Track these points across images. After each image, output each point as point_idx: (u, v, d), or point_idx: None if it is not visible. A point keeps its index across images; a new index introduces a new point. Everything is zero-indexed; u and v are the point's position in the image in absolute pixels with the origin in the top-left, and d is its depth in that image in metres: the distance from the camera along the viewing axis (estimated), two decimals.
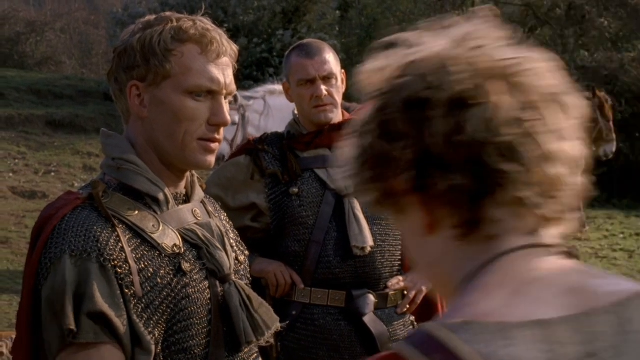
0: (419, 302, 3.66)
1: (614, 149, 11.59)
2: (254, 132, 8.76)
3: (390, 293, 3.59)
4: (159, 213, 2.01)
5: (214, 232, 2.11)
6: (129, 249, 1.91)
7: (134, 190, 2.01)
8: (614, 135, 11.66)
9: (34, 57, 25.15)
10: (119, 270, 1.88)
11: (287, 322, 3.39)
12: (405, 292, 3.63)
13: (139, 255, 1.93)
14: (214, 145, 2.04)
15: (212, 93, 2.02)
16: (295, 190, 3.54)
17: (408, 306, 3.64)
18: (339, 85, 3.60)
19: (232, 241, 2.24)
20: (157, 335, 1.92)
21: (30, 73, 20.51)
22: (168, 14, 2.08)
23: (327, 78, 3.55)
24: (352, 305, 3.51)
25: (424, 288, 3.63)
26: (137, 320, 1.88)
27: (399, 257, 3.66)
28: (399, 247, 3.63)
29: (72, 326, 1.81)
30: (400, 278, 3.63)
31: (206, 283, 2.03)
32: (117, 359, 1.86)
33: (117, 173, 2.02)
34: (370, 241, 3.49)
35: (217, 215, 2.26)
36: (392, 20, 17.40)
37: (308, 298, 3.54)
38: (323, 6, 18.39)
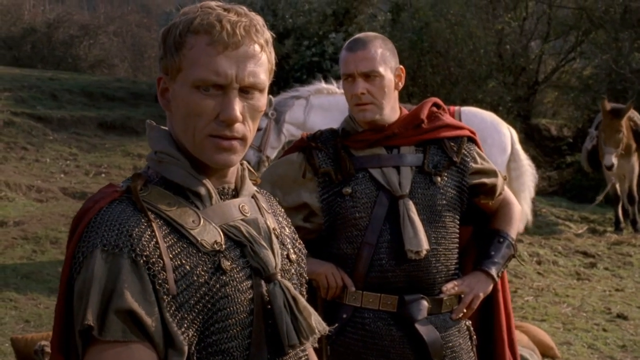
0: (475, 307, 3.53)
1: (609, 162, 11.38)
2: (294, 131, 8.76)
3: (444, 298, 3.45)
4: (200, 208, 1.95)
5: (261, 228, 2.04)
6: (165, 244, 1.84)
7: (175, 184, 1.95)
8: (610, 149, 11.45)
9: (87, 60, 25.45)
10: (152, 267, 1.81)
11: (337, 325, 3.40)
12: (462, 297, 3.49)
13: (176, 252, 1.86)
14: (227, 143, 1.93)
15: (222, 87, 1.92)
16: (348, 190, 3.41)
17: (464, 311, 3.50)
18: (385, 84, 3.41)
19: (285, 238, 2.16)
20: (191, 335, 1.85)
21: (82, 75, 20.70)
22: (211, 3, 2.00)
23: (369, 75, 3.38)
24: (404, 310, 3.37)
25: (481, 293, 3.51)
26: (170, 319, 1.81)
27: (456, 261, 3.52)
28: (456, 250, 3.51)
29: (92, 322, 1.75)
30: (456, 282, 3.48)
31: (248, 282, 1.95)
32: (148, 359, 1.78)
33: (158, 166, 1.97)
34: (425, 245, 3.34)
35: (270, 211, 2.18)
36: (443, 23, 17.26)
37: (359, 301, 3.42)
38: (374, 8, 18.28)
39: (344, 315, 3.43)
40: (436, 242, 3.41)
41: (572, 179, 15.98)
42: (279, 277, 2.01)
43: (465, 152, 3.54)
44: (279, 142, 8.83)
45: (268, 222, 2.09)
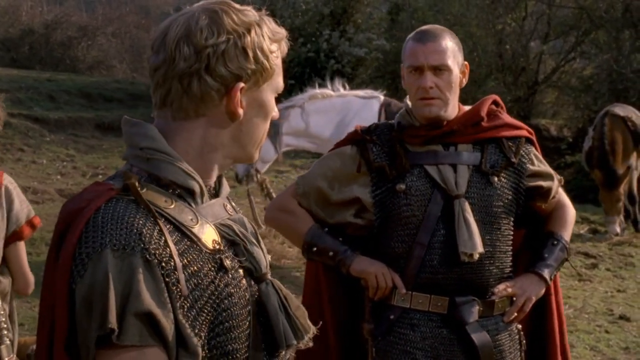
0: (527, 310, 3.43)
1: (614, 232, 11.38)
2: (291, 141, 8.71)
3: (496, 300, 3.36)
4: (193, 206, 1.88)
5: (248, 228, 1.99)
6: (173, 243, 1.78)
7: (166, 182, 1.86)
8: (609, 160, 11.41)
9: (85, 61, 25.40)
10: (165, 266, 1.74)
11: (384, 326, 3.35)
12: (514, 299, 3.40)
13: (181, 251, 1.79)
14: None
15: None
16: (402, 186, 3.32)
17: (515, 314, 3.41)
18: (452, 79, 3.30)
19: None
20: (203, 337, 1.80)
21: (80, 77, 20.68)
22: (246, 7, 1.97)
23: (438, 69, 3.27)
24: (454, 312, 3.29)
25: (533, 296, 3.41)
26: (183, 321, 1.75)
27: (510, 264, 3.42)
28: (510, 253, 3.42)
29: (115, 325, 1.67)
30: (508, 284, 3.39)
31: (244, 282, 1.90)
32: None
33: (146, 164, 1.87)
34: (480, 247, 3.24)
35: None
36: (443, 23, 17.20)
37: (408, 302, 3.33)
38: (371, 7, 18.27)
39: (392, 316, 3.36)
40: (491, 244, 3.32)
41: (573, 179, 15.92)
42: (269, 276, 1.97)
43: (523, 154, 3.44)
44: (271, 156, 8.76)
45: (251, 222, 2.04)
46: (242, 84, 1.88)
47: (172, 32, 1.87)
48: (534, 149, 3.50)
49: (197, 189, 1.89)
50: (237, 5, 1.92)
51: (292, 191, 3.57)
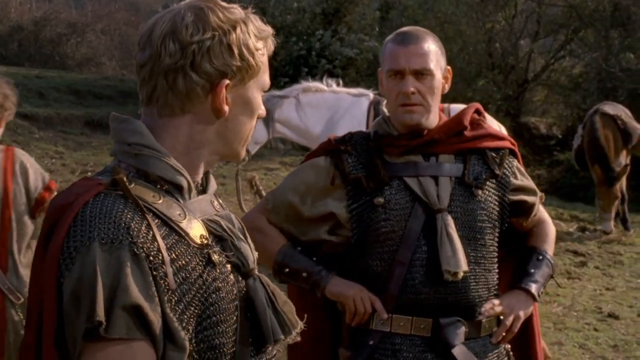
0: (516, 330, 3.23)
1: (609, 229, 11.41)
2: (285, 131, 8.70)
3: (483, 320, 3.16)
4: (181, 202, 1.89)
5: (235, 224, 1.99)
6: (160, 238, 1.78)
7: (154, 177, 1.87)
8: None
9: (75, 58, 25.35)
10: (153, 260, 1.74)
11: (364, 353, 3.13)
12: (501, 318, 3.21)
13: (169, 245, 1.80)
14: None
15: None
16: (381, 200, 3.10)
17: (504, 334, 3.21)
18: (434, 84, 3.11)
19: None
20: (190, 331, 1.80)
21: (70, 74, 20.64)
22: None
23: (420, 73, 3.08)
24: (439, 334, 3.07)
25: (522, 314, 3.22)
26: (171, 315, 1.76)
27: (496, 282, 3.23)
28: (496, 270, 3.23)
29: (102, 318, 1.67)
30: (496, 302, 3.18)
31: (232, 277, 1.91)
32: (149, 358, 1.72)
33: (134, 159, 1.88)
34: (464, 265, 3.04)
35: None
36: (433, 21, 17.22)
37: (389, 326, 3.10)
38: (363, 7, 18.28)
39: (371, 342, 3.13)
40: (475, 261, 3.12)
41: (562, 177, 15.98)
42: (256, 272, 1.98)
43: (507, 166, 3.26)
44: (263, 138, 8.74)
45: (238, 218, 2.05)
46: (227, 81, 1.89)
47: (158, 28, 1.88)
48: (517, 162, 3.34)
49: (185, 184, 1.90)
50: (224, 3, 1.94)
51: (261, 207, 3.36)
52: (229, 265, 1.92)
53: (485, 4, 17.95)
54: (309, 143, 8.84)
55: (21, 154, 4.25)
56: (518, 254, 3.42)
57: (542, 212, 3.48)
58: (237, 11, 1.93)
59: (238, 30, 1.89)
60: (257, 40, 1.94)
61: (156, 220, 1.80)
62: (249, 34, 1.91)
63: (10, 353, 4.10)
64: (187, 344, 1.78)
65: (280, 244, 3.27)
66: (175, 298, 1.77)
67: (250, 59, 1.91)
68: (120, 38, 28.27)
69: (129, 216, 1.76)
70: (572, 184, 15.31)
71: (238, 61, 1.89)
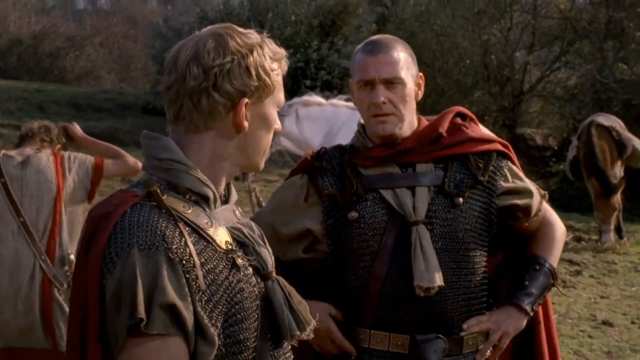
0: (504, 346, 3.09)
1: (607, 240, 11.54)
2: (288, 144, 8.87)
3: (465, 337, 3.03)
4: (208, 211, 2.07)
5: (255, 231, 2.18)
6: (192, 244, 1.97)
7: (184, 189, 2.06)
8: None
9: (74, 72, 25.47)
10: (186, 264, 1.93)
11: None
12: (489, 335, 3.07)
13: (199, 250, 1.98)
14: None
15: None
16: (354, 215, 3.01)
17: (490, 351, 3.08)
18: (407, 92, 3.01)
19: None
20: (218, 327, 1.98)
21: (69, 87, 20.77)
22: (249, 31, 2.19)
23: (391, 82, 2.99)
24: (416, 352, 2.97)
25: (511, 330, 3.07)
26: (202, 313, 1.94)
27: (482, 294, 3.10)
28: (483, 282, 3.10)
29: (143, 315, 1.85)
30: (482, 318, 3.05)
31: (254, 279, 2.09)
32: (182, 352, 1.90)
33: (165, 173, 2.07)
34: (438, 280, 2.91)
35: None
36: (429, 34, 17.39)
37: (367, 342, 3.02)
38: (359, 19, 18.44)
39: (352, 357, 3.07)
40: (456, 274, 3.00)
41: (558, 188, 16.09)
42: (274, 274, 2.15)
43: (494, 170, 3.12)
44: (268, 152, 8.90)
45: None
46: (246, 99, 2.07)
47: (183, 54, 2.07)
48: (509, 163, 3.19)
49: (211, 195, 2.08)
50: (241, 29, 2.12)
51: None
52: (250, 269, 2.09)
53: (481, 16, 18.11)
54: None
55: (66, 155, 4.97)
56: (519, 261, 3.25)
57: (547, 213, 3.30)
58: (254, 36, 2.11)
59: (255, 53, 2.07)
60: (272, 61, 2.12)
61: (187, 228, 1.98)
62: (264, 56, 2.09)
63: (59, 326, 4.71)
64: (216, 339, 1.96)
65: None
66: (205, 298, 1.95)
67: (267, 78, 2.09)
68: (119, 51, 28.45)
69: (163, 225, 1.95)
70: (567, 195, 15.44)
71: (255, 81, 2.07)
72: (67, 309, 4.52)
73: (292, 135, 8.80)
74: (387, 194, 3.02)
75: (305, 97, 9.09)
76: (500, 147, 3.18)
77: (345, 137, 8.39)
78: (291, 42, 16.71)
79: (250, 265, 2.10)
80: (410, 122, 3.07)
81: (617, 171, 12.00)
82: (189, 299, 1.92)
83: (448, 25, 17.67)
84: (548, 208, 3.31)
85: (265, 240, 2.20)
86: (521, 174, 3.22)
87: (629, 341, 7.89)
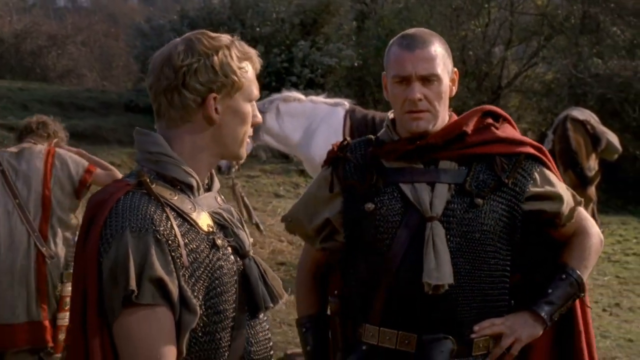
0: (515, 353, 3.02)
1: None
2: (269, 140, 9.10)
3: (476, 339, 2.98)
4: (192, 198, 2.36)
5: (234, 215, 2.47)
6: (177, 226, 2.25)
7: (171, 179, 2.34)
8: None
9: (56, 70, 25.47)
10: (171, 244, 2.22)
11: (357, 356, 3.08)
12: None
13: (183, 232, 2.26)
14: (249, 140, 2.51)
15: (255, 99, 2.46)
16: (371, 206, 2.99)
17: (502, 355, 3.02)
18: (442, 89, 2.98)
19: None
20: (200, 299, 2.26)
21: (52, 86, 20.83)
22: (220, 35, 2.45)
23: (427, 79, 2.95)
24: (422, 351, 2.93)
25: (524, 337, 3.01)
26: (185, 287, 2.22)
27: (498, 298, 3.04)
28: (502, 285, 3.04)
29: (134, 287, 2.14)
30: (496, 321, 2.99)
31: (232, 257, 2.38)
32: (168, 320, 2.19)
33: (154, 165, 2.35)
34: (448, 278, 2.87)
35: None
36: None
37: (376, 339, 3.00)
38: (340, 17, 18.62)
39: (364, 347, 3.05)
40: (470, 276, 2.95)
41: None
42: (251, 253, 2.45)
43: (522, 173, 3.04)
44: (249, 146, 9.12)
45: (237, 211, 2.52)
46: (214, 94, 2.35)
47: (159, 58, 2.38)
48: (541, 167, 3.10)
49: (194, 184, 2.37)
50: (212, 34, 2.41)
51: (304, 253, 3.39)
52: (229, 248, 2.38)
53: (458, 13, 18.34)
54: (290, 150, 9.38)
55: (62, 152, 5.62)
56: (550, 269, 3.18)
57: (583, 221, 3.20)
58: (223, 38, 2.40)
59: (220, 53, 2.36)
60: (240, 60, 2.40)
61: (173, 213, 2.27)
62: (230, 56, 2.37)
63: (50, 299, 5.27)
64: (198, 309, 2.24)
65: (301, 312, 3.35)
66: (188, 273, 2.25)
67: (233, 76, 2.37)
68: (100, 49, 28.47)
69: (152, 210, 2.24)
70: None
71: (221, 78, 2.36)
72: (57, 283, 5.32)
73: (272, 131, 9.01)
74: (406, 188, 2.99)
75: (286, 94, 9.31)
76: (531, 151, 3.10)
77: (325, 132, 8.71)
78: (272, 40, 16.85)
79: (229, 245, 2.38)
80: (443, 118, 3.04)
81: (592, 164, 12.23)
82: (174, 274, 2.20)
83: (426, 22, 17.86)
84: (585, 216, 3.22)
85: (244, 224, 2.48)
86: (554, 179, 3.12)
87: (600, 327, 8.18)
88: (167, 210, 2.26)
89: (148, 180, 2.29)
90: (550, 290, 3.05)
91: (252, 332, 2.44)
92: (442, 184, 2.99)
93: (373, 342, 3.01)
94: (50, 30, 26.71)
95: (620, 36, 17.09)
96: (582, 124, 12.04)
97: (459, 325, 2.96)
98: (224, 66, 2.36)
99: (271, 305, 2.46)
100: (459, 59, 17.98)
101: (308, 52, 16.62)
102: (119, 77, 27.18)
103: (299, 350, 7.07)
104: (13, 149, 5.67)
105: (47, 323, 5.33)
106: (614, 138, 12.36)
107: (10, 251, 5.32)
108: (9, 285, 5.29)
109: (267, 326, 2.52)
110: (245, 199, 10.47)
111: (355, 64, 17.05)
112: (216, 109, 2.37)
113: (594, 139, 12.16)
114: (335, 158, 3.15)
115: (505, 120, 3.18)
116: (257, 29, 16.77)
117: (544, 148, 3.16)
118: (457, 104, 16.91)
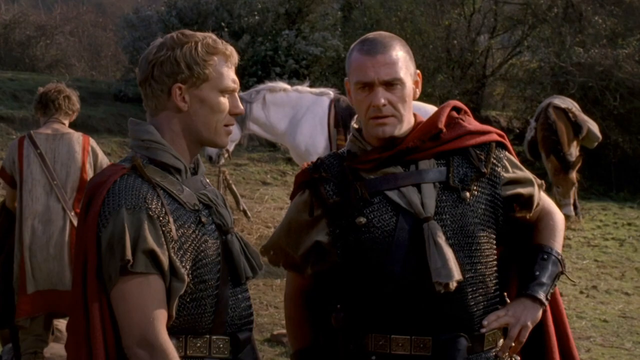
0: (524, 340, 3.02)
1: (570, 213, 11.89)
2: (256, 129, 9.35)
3: (486, 333, 2.99)
4: (180, 180, 2.64)
5: (218, 196, 2.76)
6: (167, 205, 2.54)
7: (161, 163, 2.62)
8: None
9: (45, 60, 25.57)
10: (162, 220, 2.52)
11: None
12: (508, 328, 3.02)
13: (172, 210, 2.56)
14: (230, 129, 2.74)
15: (233, 91, 2.70)
16: (362, 220, 2.96)
17: (512, 345, 3.03)
18: (406, 92, 2.97)
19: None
20: (188, 269, 2.55)
21: (41, 76, 20.89)
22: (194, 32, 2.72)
23: (390, 84, 2.93)
24: (440, 352, 2.91)
25: (529, 322, 3.00)
26: (175, 258, 2.52)
27: (495, 287, 3.06)
28: (495, 275, 3.06)
29: (130, 258, 2.44)
30: (500, 313, 3.00)
31: (216, 233, 2.67)
32: (160, 287, 2.50)
33: (146, 151, 2.64)
34: (456, 275, 2.86)
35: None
36: (393, 20, 17.81)
37: (387, 347, 2.96)
38: (325, 7, 18.80)
39: (373, 357, 2.99)
40: (471, 269, 2.96)
41: None
42: (233, 230, 2.74)
43: (495, 161, 3.07)
44: (237, 136, 9.37)
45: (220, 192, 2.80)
46: (178, 85, 2.63)
47: (143, 54, 2.69)
48: (507, 153, 3.14)
49: (182, 167, 2.66)
50: (187, 32, 2.70)
51: (289, 280, 3.29)
52: (214, 225, 2.67)
53: (443, 2, 18.54)
54: (276, 139, 9.68)
55: (93, 142, 6.15)
56: (524, 253, 3.19)
57: (545, 202, 3.24)
58: (197, 35, 2.68)
59: (185, 47, 2.63)
60: (208, 54, 2.65)
61: (163, 193, 2.57)
62: (196, 49, 2.64)
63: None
64: (185, 277, 2.55)
65: (296, 346, 3.28)
66: (177, 246, 2.55)
67: (196, 67, 2.64)
68: (89, 39, 28.55)
69: (144, 190, 2.54)
70: None
71: (185, 70, 2.63)
72: None
73: (259, 120, 9.25)
74: (393, 195, 2.97)
75: (271, 84, 9.56)
76: (497, 138, 3.13)
77: (310, 121, 8.95)
78: (259, 29, 17.02)
79: (213, 222, 2.67)
80: (408, 121, 3.04)
81: (574, 151, 12.50)
82: (165, 246, 2.50)
83: (411, 12, 18.10)
84: (545, 197, 3.25)
85: (227, 204, 2.77)
86: (519, 164, 3.18)
87: (576, 309, 8.45)
88: (158, 190, 2.56)
89: (141, 164, 2.58)
90: (537, 273, 3.05)
91: (234, 300, 2.71)
92: (427, 184, 2.99)
93: (384, 351, 2.96)
94: (38, 21, 26.79)
95: (602, 25, 17.31)
96: (564, 112, 12.31)
97: (469, 320, 2.96)
98: (187, 59, 2.61)
99: (251, 275, 2.76)
100: (443, 49, 18.22)
101: (294, 42, 16.79)
102: (107, 66, 27.29)
103: (284, 331, 7.32)
104: (47, 131, 6.06)
105: None
106: (594, 127, 12.64)
107: (48, 227, 5.82)
108: (44, 260, 5.80)
109: (248, 295, 2.80)
110: (233, 186, 10.73)
111: (343, 55, 17.19)
112: (184, 98, 2.65)
113: (576, 127, 12.43)
114: (310, 180, 3.08)
115: (466, 112, 3.20)
116: (245, 19, 16.94)
117: (504, 134, 3.21)
118: (442, 93, 17.16)
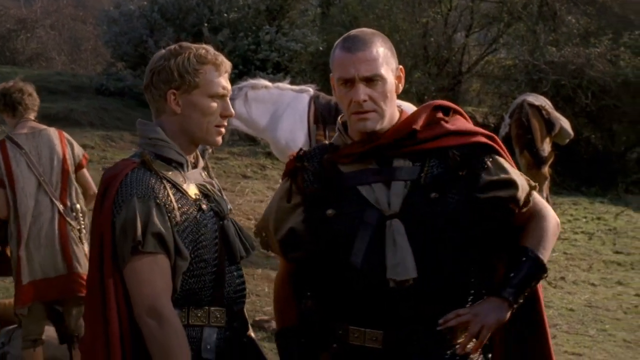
0: (484, 339, 2.99)
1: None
2: (238, 125, 9.64)
3: (444, 331, 2.98)
4: (183, 173, 3.01)
5: (215, 187, 3.14)
6: (172, 195, 2.91)
7: (166, 158, 2.99)
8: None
9: (25, 54, 25.67)
10: (168, 207, 2.89)
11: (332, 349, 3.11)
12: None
13: (176, 199, 2.92)
14: (223, 129, 3.07)
15: (223, 96, 3.03)
16: (331, 212, 3.03)
17: (472, 344, 3.03)
18: (387, 88, 3.01)
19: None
20: (189, 249, 2.92)
21: (23, 69, 21.00)
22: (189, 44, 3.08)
23: (371, 80, 2.98)
24: (390, 347, 2.97)
25: (491, 321, 2.96)
26: (179, 239, 2.88)
27: (466, 288, 3.06)
28: (467, 278, 3.06)
29: (140, 239, 2.80)
30: (461, 311, 2.98)
31: (214, 219, 3.03)
32: (166, 265, 2.87)
33: (153, 148, 3.01)
34: (411, 273, 2.90)
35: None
36: (371, 17, 18.11)
37: (346, 337, 3.05)
38: (305, 3, 19.05)
39: (334, 345, 3.10)
40: (434, 269, 2.96)
41: None
42: (229, 216, 3.11)
43: (475, 163, 3.06)
44: (227, 134, 9.64)
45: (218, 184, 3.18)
46: (172, 90, 2.99)
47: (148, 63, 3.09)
48: (495, 156, 3.12)
49: (184, 162, 3.05)
50: (186, 44, 3.07)
51: (280, 266, 3.37)
52: (212, 212, 3.04)
53: (420, 0, 18.85)
54: (258, 134, 10.01)
55: (67, 135, 6.47)
56: (509, 255, 3.14)
57: (538, 204, 3.19)
58: (192, 47, 3.03)
59: (178, 58, 3.00)
60: (199, 64, 3.00)
61: (168, 184, 2.94)
62: (188, 60, 2.99)
63: (72, 255, 6.24)
64: (188, 257, 2.92)
65: (281, 324, 3.34)
66: (181, 229, 2.92)
67: (187, 76, 2.99)
68: (69, 33, 28.69)
69: (153, 182, 2.91)
70: None
71: (177, 78, 2.99)
72: (77, 242, 6.28)
73: (241, 117, 9.52)
74: (363, 190, 3.02)
75: (253, 81, 9.82)
76: (483, 140, 3.12)
77: (290, 117, 9.24)
78: (239, 25, 17.24)
79: (212, 209, 3.04)
80: (391, 116, 3.07)
81: (546, 147, 12.83)
82: (170, 230, 2.88)
83: (389, 9, 18.41)
84: (541, 200, 3.22)
85: (223, 193, 3.16)
86: (508, 167, 3.13)
87: (544, 299, 8.72)
88: (164, 182, 2.92)
89: (149, 159, 2.94)
90: (512, 274, 3.01)
91: (230, 276, 3.07)
92: (397, 182, 3.02)
93: (344, 340, 3.04)
94: (19, 14, 26.86)
95: (575, 24, 17.69)
96: (537, 109, 12.62)
97: (426, 318, 2.97)
98: (180, 68, 2.96)
99: (245, 254, 3.12)
100: (419, 46, 18.55)
101: (274, 37, 17.04)
102: (87, 60, 27.48)
103: (266, 317, 7.66)
104: (24, 130, 6.34)
105: (74, 276, 6.23)
106: (566, 124, 12.97)
107: (38, 220, 6.20)
108: (36, 250, 6.18)
109: (242, 272, 3.16)
110: (215, 180, 10.96)
111: (321, 48, 17.43)
112: (177, 103, 2.99)
113: (549, 124, 12.75)
114: (294, 169, 3.17)
115: (456, 112, 3.19)
116: (225, 15, 17.17)
117: (495, 137, 3.19)
118: (419, 89, 17.49)
